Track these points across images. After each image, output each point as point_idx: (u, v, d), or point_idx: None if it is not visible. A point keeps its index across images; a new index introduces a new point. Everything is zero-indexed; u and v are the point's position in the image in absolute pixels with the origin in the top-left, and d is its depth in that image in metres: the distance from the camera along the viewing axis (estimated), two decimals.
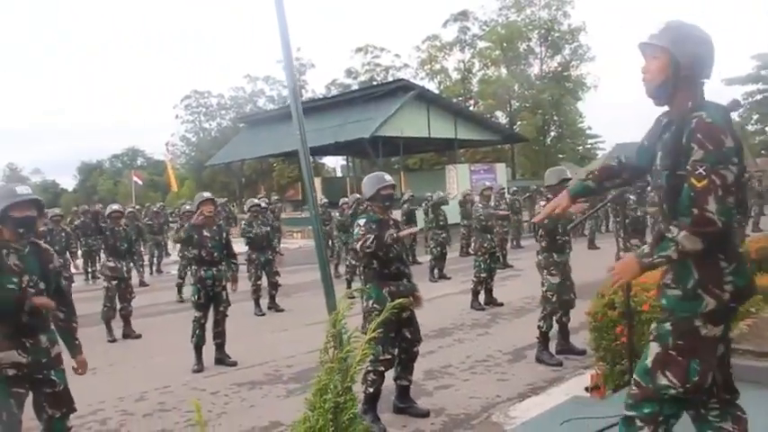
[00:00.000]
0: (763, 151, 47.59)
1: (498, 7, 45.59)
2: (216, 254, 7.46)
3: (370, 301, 5.31)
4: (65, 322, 3.92)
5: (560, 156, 48.85)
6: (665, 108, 2.80)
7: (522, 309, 9.90)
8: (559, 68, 46.13)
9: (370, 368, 5.23)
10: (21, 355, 3.61)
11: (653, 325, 2.78)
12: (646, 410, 2.67)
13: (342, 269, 14.64)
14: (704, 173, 2.46)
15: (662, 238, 2.58)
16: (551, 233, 6.75)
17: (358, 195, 13.05)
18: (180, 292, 12.42)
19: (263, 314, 10.65)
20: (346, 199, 16.16)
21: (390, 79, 52.10)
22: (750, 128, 51.16)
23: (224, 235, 7.67)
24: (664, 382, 2.62)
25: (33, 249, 3.77)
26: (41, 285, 3.70)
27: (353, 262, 11.87)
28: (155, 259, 17.87)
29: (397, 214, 10.24)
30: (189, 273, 13.02)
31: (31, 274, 3.67)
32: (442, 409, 5.54)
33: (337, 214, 15.46)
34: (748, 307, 5.54)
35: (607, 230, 21.51)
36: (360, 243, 5.18)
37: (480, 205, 10.77)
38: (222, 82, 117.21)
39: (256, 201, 11.69)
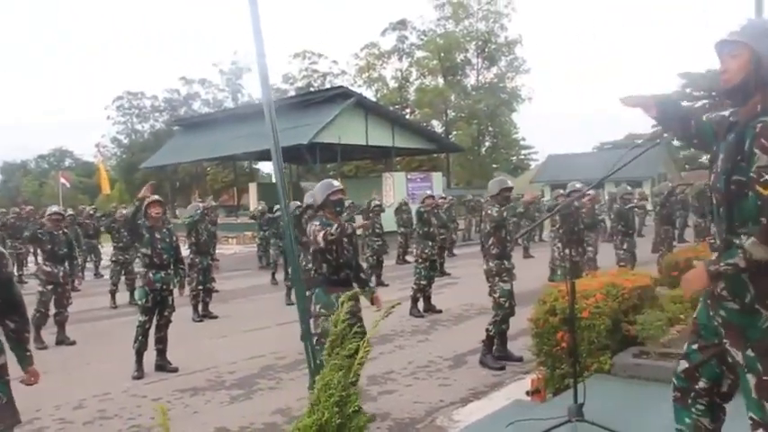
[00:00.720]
0: (687, 165, 49.58)
1: (437, 18, 46.41)
2: (165, 257, 7.38)
3: (318, 306, 5.37)
4: (16, 332, 3.64)
5: (494, 165, 49.83)
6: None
7: (460, 315, 10.09)
8: (495, 80, 47.15)
9: None
10: None
11: (738, 355, 2.59)
12: None
13: (279, 277, 14.58)
14: None
15: (730, 245, 2.50)
16: (503, 241, 6.93)
17: (298, 203, 13.01)
18: (113, 298, 12.18)
19: (201, 320, 10.54)
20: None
21: (328, 86, 52.16)
22: (676, 143, 53.31)
23: (174, 238, 7.57)
24: None
25: None
26: None
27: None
28: (92, 264, 17.42)
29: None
30: (122, 278, 12.90)
31: None
32: (387, 414, 5.62)
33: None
34: (678, 314, 5.84)
35: (540, 240, 22.09)
36: (322, 233, 5.17)
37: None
38: (156, 83, 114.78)
39: (202, 204, 11.56)
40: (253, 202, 34.21)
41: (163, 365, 7.37)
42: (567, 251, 8.53)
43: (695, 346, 2.81)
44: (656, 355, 5.01)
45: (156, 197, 7.71)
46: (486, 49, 45.93)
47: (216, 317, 10.73)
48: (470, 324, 9.43)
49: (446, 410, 5.61)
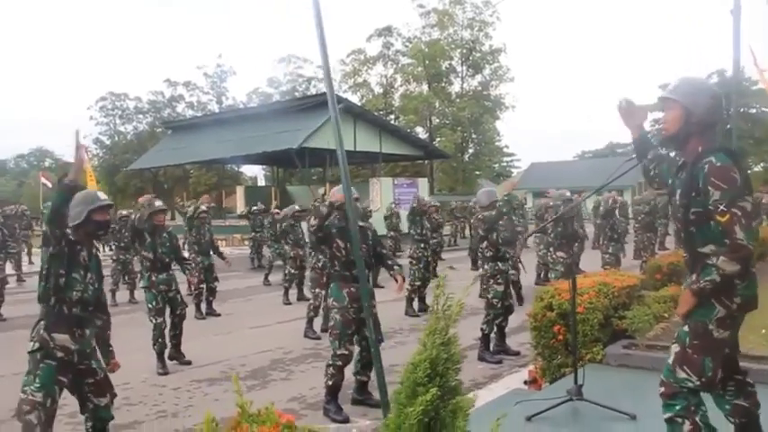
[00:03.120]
0: None
1: (422, 25, 46.89)
2: (167, 259, 7.78)
3: (330, 299, 5.88)
4: (102, 329, 4.33)
5: (477, 172, 50.48)
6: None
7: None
8: (479, 88, 47.73)
9: (330, 362, 5.76)
10: (71, 342, 4.00)
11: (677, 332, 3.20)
12: (678, 407, 3.05)
13: (273, 278, 15.01)
14: (725, 209, 2.89)
15: (703, 264, 2.99)
16: (495, 244, 7.45)
17: (297, 207, 13.45)
18: (113, 296, 12.51)
19: (204, 318, 10.93)
20: (277, 210, 16.54)
21: (313, 90, 52.62)
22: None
23: (173, 241, 7.97)
24: (682, 375, 3.03)
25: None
26: (97, 285, 4.23)
27: (292, 270, 12.31)
28: None
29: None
30: (122, 279, 13.25)
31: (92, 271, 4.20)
32: None
33: (267, 222, 15.82)
34: (662, 312, 6.38)
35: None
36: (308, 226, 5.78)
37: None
38: (140, 85, 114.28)
39: (203, 207, 11.96)
40: (240, 204, 34.61)
41: (177, 357, 7.79)
42: (558, 254, 9.06)
43: None
44: (644, 346, 5.56)
45: (161, 204, 8.11)
46: (471, 57, 46.52)
47: (219, 315, 11.13)
48: (465, 323, 9.78)
49: None
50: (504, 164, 65.81)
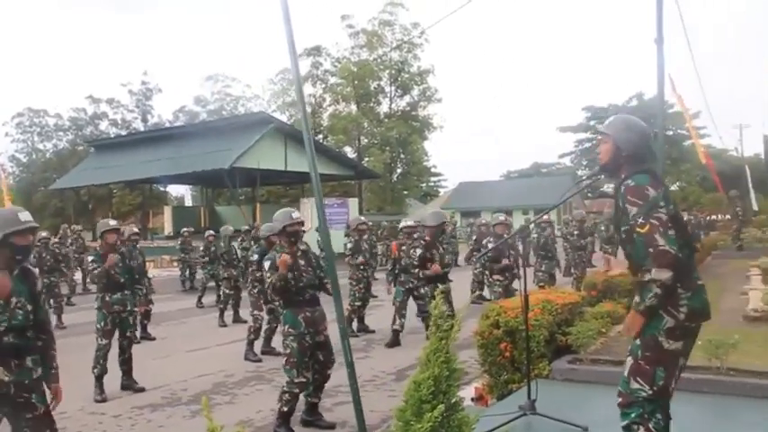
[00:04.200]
0: (590, 194, 52.41)
1: (351, 45, 47.16)
2: (122, 280, 7.50)
3: (286, 326, 5.82)
4: (44, 349, 3.91)
5: (405, 192, 50.97)
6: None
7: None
8: (408, 108, 48.25)
9: (285, 389, 5.72)
10: (5, 374, 3.65)
11: (631, 342, 3.34)
12: (633, 414, 3.24)
13: (206, 299, 14.78)
14: (643, 221, 3.14)
15: (642, 284, 3.16)
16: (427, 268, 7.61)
17: (231, 228, 13.32)
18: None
19: (139, 342, 10.62)
20: (211, 231, 16.29)
21: (241, 109, 52.21)
22: (580, 172, 56.50)
23: (128, 261, 7.75)
24: (636, 386, 3.23)
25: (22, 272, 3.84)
26: (29, 307, 3.78)
27: (227, 291, 12.20)
28: None
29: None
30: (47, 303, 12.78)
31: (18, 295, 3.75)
32: (345, 422, 6.10)
33: (202, 245, 15.58)
34: (601, 328, 6.62)
35: (456, 264, 23.00)
36: (269, 286, 5.79)
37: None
38: (61, 101, 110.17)
39: (135, 229, 11.70)
40: (167, 225, 33.91)
41: (129, 385, 7.51)
42: (495, 276, 9.28)
43: None
44: (588, 360, 5.77)
45: (114, 223, 7.90)
46: (400, 78, 47.00)
47: (154, 338, 10.88)
48: (405, 342, 10.01)
49: None
50: (432, 184, 66.81)
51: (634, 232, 3.20)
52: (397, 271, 9.80)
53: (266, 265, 5.85)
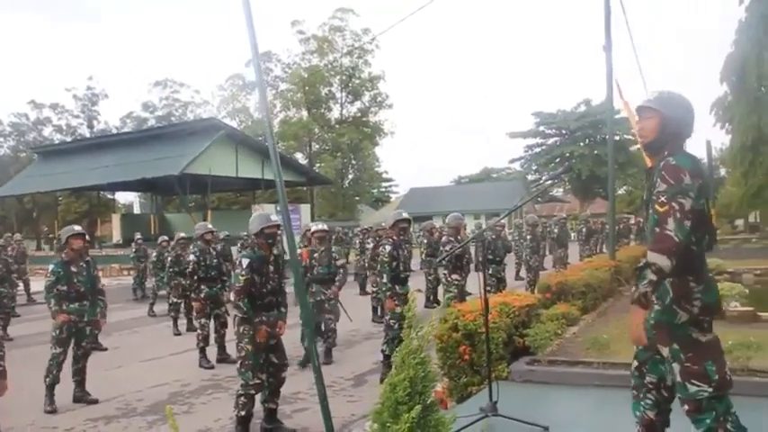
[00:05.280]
0: (540, 198, 53.23)
1: (302, 51, 47.03)
2: (83, 289, 7.32)
3: (242, 328, 5.78)
4: None
5: (356, 198, 50.95)
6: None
7: (349, 341, 10.64)
8: (359, 114, 48.37)
9: (241, 392, 5.70)
10: None
11: (664, 350, 3.21)
12: (708, 420, 3.09)
13: (157, 308, 14.54)
14: (665, 201, 3.01)
15: (640, 270, 3.10)
16: (395, 268, 7.62)
17: (183, 234, 13.11)
18: None
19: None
20: (165, 237, 16.09)
21: (190, 115, 51.52)
22: (530, 177, 57.38)
23: (92, 270, 7.56)
24: (694, 389, 3.09)
25: None
26: None
27: (175, 300, 12.09)
28: None
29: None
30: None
31: None
32: (305, 429, 6.09)
33: (155, 252, 15.36)
34: (556, 329, 6.74)
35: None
36: (234, 294, 5.78)
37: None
38: (1, 106, 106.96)
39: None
40: (116, 233, 33.23)
41: (82, 396, 7.33)
42: (453, 276, 9.38)
43: (641, 347, 3.39)
44: (546, 362, 5.86)
45: (79, 228, 7.71)
46: (351, 84, 47.09)
47: (105, 349, 10.64)
48: (361, 348, 10.04)
49: (359, 422, 6.13)
50: (384, 189, 66.94)
51: (652, 208, 3.10)
52: (307, 281, 9.10)
53: (243, 263, 5.79)
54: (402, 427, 1.80)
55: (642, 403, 3.44)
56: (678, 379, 3.16)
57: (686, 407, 3.15)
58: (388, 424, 1.89)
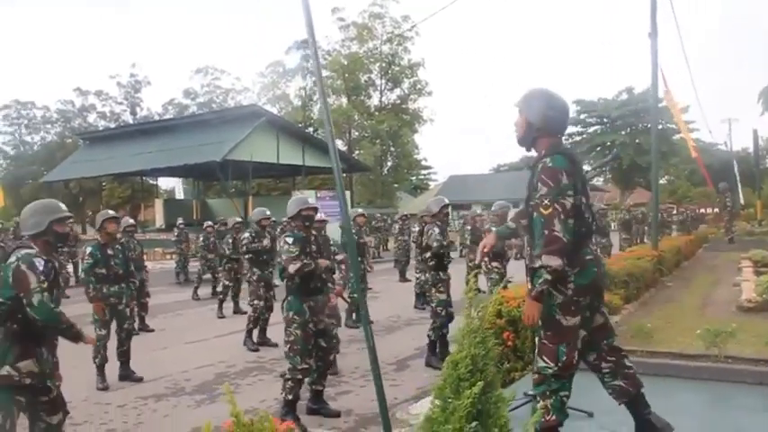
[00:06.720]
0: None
1: (341, 38, 47.10)
2: (121, 271, 7.59)
3: (290, 313, 5.87)
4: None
5: (395, 185, 51.04)
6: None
7: (390, 326, 10.76)
8: (398, 101, 48.30)
9: (288, 376, 5.79)
10: (35, 364, 3.90)
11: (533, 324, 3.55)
12: (539, 389, 3.49)
13: (201, 291, 14.81)
14: (548, 203, 3.25)
15: (534, 270, 3.29)
16: (439, 256, 7.67)
17: (238, 219, 13.38)
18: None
19: (138, 333, 10.66)
20: (209, 222, 16.38)
21: (231, 102, 52.03)
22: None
23: (127, 253, 7.81)
24: (542, 364, 3.45)
25: None
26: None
27: (227, 283, 12.27)
28: None
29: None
30: None
31: None
32: (350, 411, 6.19)
33: (201, 237, 15.64)
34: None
35: None
36: (297, 266, 5.73)
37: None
38: (48, 93, 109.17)
39: (131, 221, 11.67)
40: (159, 217, 33.85)
41: (127, 375, 7.59)
42: (493, 264, 9.41)
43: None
44: None
45: (113, 213, 7.95)
46: (390, 71, 47.01)
47: (152, 330, 10.91)
48: (402, 333, 10.14)
49: (402, 406, 6.23)
50: (422, 177, 66.88)
51: (536, 211, 3.30)
52: None
53: (288, 240, 5.90)
54: (464, 402, 1.86)
55: (606, 378, 3.69)
56: (535, 352, 3.53)
57: (534, 376, 3.54)
58: (450, 399, 1.96)
